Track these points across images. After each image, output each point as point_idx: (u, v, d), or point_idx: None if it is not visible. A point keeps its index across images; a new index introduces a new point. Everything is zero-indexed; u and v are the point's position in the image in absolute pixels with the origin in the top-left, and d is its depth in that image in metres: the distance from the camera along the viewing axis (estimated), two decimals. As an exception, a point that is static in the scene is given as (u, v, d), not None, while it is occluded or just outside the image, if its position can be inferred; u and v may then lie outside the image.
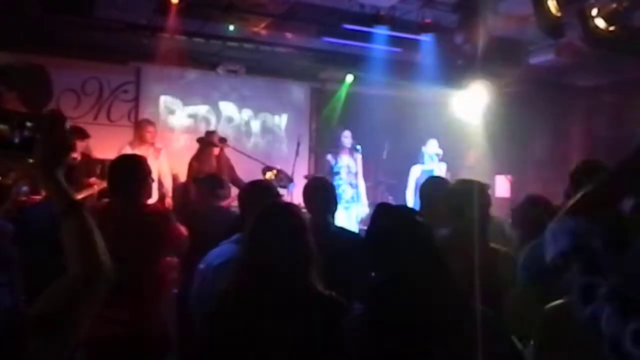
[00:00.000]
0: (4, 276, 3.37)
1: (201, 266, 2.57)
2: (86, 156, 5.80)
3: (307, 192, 3.13)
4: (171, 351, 2.92)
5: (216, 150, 6.37)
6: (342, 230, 3.27)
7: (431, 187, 3.42)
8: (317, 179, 4.04)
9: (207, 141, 6.43)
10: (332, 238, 2.86)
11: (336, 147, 6.52)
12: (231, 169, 6.48)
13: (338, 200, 3.17)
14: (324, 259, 1.97)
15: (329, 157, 6.52)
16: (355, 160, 6.53)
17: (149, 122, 6.50)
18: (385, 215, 1.88)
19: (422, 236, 1.81)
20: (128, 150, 6.10)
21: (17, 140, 1.25)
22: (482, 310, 1.71)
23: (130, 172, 2.86)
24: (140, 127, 6.44)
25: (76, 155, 5.69)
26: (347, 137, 6.50)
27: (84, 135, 5.84)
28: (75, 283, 1.19)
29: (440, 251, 1.82)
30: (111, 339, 2.60)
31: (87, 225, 1.24)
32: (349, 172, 6.39)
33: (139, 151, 5.94)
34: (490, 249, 2.63)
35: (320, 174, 6.81)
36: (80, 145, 5.81)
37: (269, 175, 6.27)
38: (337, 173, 6.38)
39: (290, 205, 2.19)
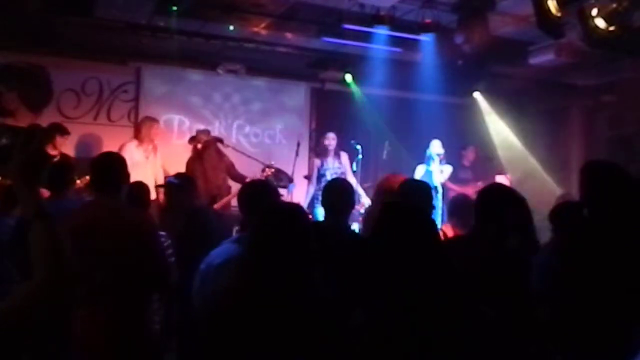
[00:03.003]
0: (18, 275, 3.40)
1: (202, 266, 2.57)
2: (65, 155, 5.81)
3: (325, 192, 3.18)
4: (156, 356, 2.89)
5: (197, 149, 6.41)
6: (355, 233, 3.30)
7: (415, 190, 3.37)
8: (336, 180, 4.06)
9: (191, 142, 6.49)
10: (343, 239, 2.88)
11: (322, 150, 6.59)
12: (230, 166, 6.48)
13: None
14: (332, 258, 1.96)
15: (316, 160, 6.60)
16: (340, 161, 6.56)
17: (156, 120, 6.73)
18: (394, 214, 1.88)
19: (431, 235, 1.81)
20: (133, 147, 6.36)
21: None
22: (486, 313, 1.71)
23: (112, 169, 2.83)
24: (148, 125, 6.57)
25: (55, 152, 5.69)
26: (327, 139, 6.56)
27: (63, 132, 5.86)
28: (38, 287, 1.24)
29: (448, 251, 1.82)
30: (93, 340, 2.58)
31: (52, 232, 1.29)
32: (335, 173, 6.44)
33: (142, 148, 6.38)
34: (512, 252, 2.60)
35: (310, 176, 6.88)
36: (60, 142, 5.82)
37: (267, 172, 6.30)
38: (323, 175, 6.46)
39: (293, 206, 2.18)
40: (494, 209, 2.59)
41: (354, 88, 8.27)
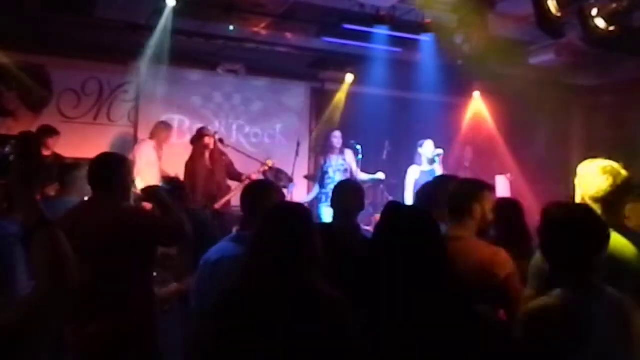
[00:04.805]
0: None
1: (200, 263, 2.59)
2: (58, 155, 5.82)
3: (334, 194, 3.17)
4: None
5: (209, 147, 6.39)
6: (364, 235, 3.29)
7: (435, 187, 3.37)
8: (346, 182, 4.04)
9: (197, 140, 6.48)
10: (353, 241, 2.89)
11: (327, 148, 6.60)
12: (229, 165, 6.47)
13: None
14: (338, 258, 1.96)
15: (320, 158, 6.61)
16: (344, 158, 6.55)
17: (171, 127, 7.01)
18: (398, 215, 1.88)
19: (434, 237, 1.81)
20: (151, 147, 6.55)
21: None
22: (485, 312, 1.71)
23: (107, 169, 2.80)
24: (167, 131, 6.82)
25: (48, 153, 5.71)
26: (335, 138, 6.57)
27: (53, 133, 5.89)
28: (40, 297, 1.23)
29: (448, 251, 1.82)
30: (84, 348, 2.54)
31: (55, 241, 1.27)
32: (338, 170, 6.43)
33: (156, 149, 6.58)
34: (493, 250, 2.60)
35: (314, 174, 6.88)
36: (52, 143, 5.85)
37: (269, 162, 6.31)
38: (326, 172, 6.46)
39: (297, 206, 2.17)
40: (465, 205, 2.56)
41: (353, 88, 8.28)
